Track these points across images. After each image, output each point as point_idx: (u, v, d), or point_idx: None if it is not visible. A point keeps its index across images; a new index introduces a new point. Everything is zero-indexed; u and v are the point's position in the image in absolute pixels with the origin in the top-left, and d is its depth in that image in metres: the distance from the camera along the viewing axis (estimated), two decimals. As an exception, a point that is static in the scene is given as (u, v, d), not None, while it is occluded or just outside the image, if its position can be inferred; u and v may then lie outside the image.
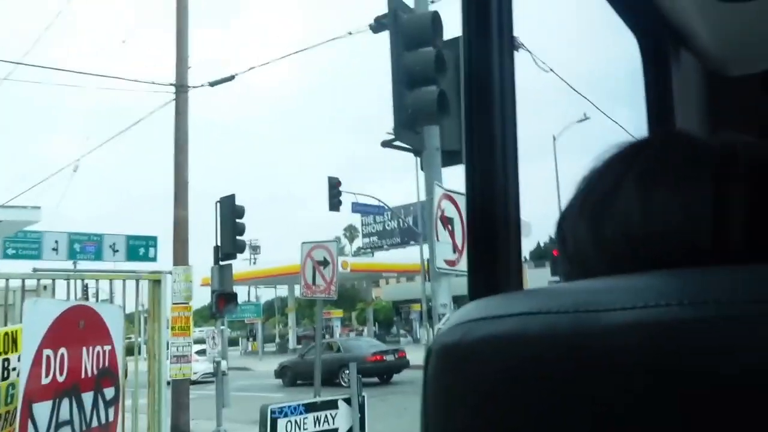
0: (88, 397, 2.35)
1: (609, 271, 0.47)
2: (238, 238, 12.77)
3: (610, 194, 0.52)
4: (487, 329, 0.43)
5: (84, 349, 2.34)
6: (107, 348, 2.50)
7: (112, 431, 2.56)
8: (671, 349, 0.36)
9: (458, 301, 8.00)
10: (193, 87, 13.17)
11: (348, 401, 7.12)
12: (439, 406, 0.45)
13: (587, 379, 0.38)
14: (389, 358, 20.66)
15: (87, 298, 5.21)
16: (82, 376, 2.31)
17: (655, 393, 0.36)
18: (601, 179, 0.55)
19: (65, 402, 2.15)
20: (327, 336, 31.49)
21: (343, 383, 18.07)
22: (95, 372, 2.40)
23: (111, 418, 2.52)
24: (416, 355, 23.04)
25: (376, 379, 19.76)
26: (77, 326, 2.33)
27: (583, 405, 0.38)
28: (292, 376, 21.56)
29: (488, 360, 0.42)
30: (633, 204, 0.50)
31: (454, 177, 6.80)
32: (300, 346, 29.45)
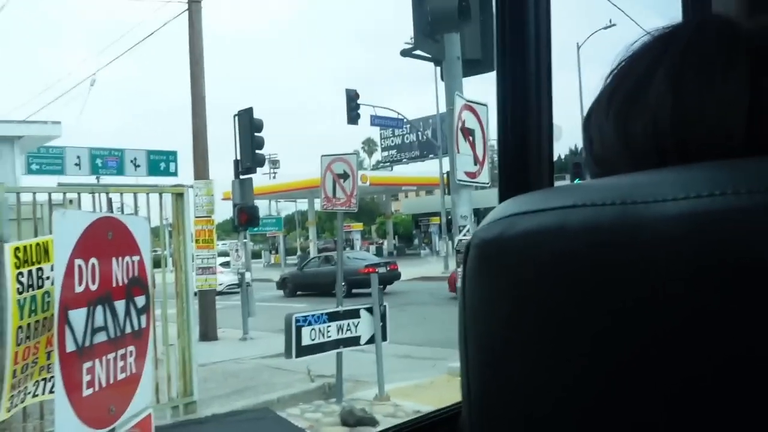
0: (120, 305, 2.42)
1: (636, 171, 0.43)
2: (257, 151, 12.77)
3: (640, 88, 0.49)
4: (528, 223, 0.42)
5: (114, 259, 2.39)
6: (136, 258, 2.55)
7: (144, 337, 2.65)
8: (727, 238, 0.34)
9: (478, 213, 8.00)
10: (206, -3, 12.84)
11: (370, 310, 7.31)
12: (478, 300, 0.45)
13: (635, 271, 0.37)
14: (381, 270, 21.35)
15: (112, 212, 5.29)
16: (114, 284, 2.37)
17: (709, 283, 0.35)
18: (630, 72, 0.51)
19: (99, 309, 2.22)
20: (348, 249, 31.98)
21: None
22: (126, 281, 2.46)
23: (143, 325, 2.60)
24: (408, 270, 23.63)
25: (368, 290, 20.39)
26: (106, 237, 2.37)
27: (631, 296, 0.37)
28: (292, 287, 22.40)
29: (530, 254, 0.41)
30: (663, 97, 0.47)
31: (475, 87, 6.65)
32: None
